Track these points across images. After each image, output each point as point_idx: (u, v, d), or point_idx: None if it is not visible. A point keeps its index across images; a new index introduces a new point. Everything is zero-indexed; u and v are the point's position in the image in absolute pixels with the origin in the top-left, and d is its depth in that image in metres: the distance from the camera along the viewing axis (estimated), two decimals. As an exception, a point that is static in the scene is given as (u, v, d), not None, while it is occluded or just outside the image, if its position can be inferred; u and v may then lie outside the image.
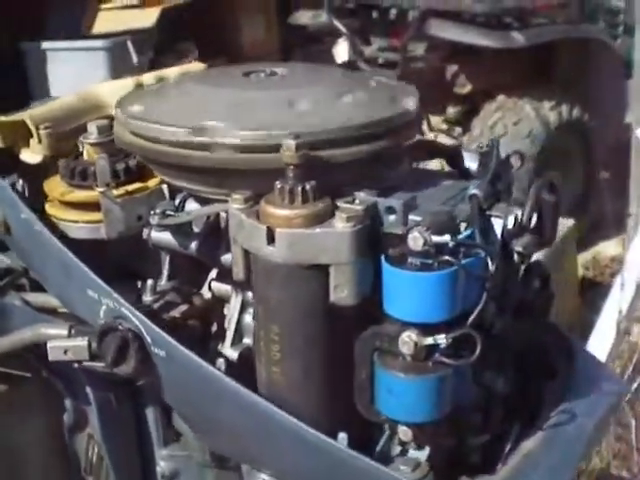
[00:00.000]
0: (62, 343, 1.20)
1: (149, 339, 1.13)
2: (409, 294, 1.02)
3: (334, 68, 1.37)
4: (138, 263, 1.31)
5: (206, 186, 1.15)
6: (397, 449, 1.15)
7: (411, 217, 1.07)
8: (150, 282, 1.21)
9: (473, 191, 1.12)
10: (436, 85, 5.14)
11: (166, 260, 1.25)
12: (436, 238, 1.02)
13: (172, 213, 1.17)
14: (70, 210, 1.26)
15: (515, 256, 1.15)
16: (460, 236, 1.05)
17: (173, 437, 1.40)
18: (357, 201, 1.08)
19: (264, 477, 1.20)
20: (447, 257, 1.01)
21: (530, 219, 1.16)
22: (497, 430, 1.18)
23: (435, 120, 5.27)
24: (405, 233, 1.02)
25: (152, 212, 1.16)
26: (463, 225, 1.08)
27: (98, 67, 4.51)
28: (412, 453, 1.15)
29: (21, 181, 1.30)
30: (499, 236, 1.13)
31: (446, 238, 1.02)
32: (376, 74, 1.34)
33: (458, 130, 5.25)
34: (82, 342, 1.19)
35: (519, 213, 1.16)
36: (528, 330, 1.25)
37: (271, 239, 1.04)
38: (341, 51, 5.87)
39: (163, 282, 1.24)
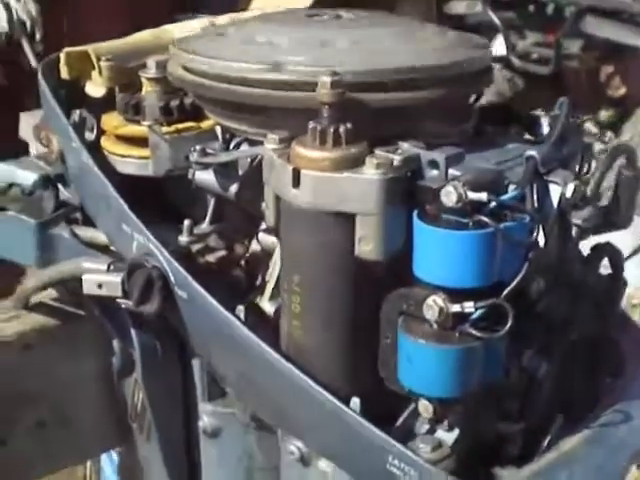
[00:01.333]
0: (97, 277, 1.17)
1: (173, 279, 1.09)
2: (437, 254, 0.93)
3: (409, 18, 1.28)
4: (188, 206, 1.27)
5: (250, 126, 1.10)
6: (425, 427, 1.07)
7: (451, 171, 0.98)
8: (187, 222, 1.17)
9: (530, 152, 1.02)
10: (589, 86, 4.90)
11: (211, 203, 1.20)
12: (473, 195, 0.92)
13: (212, 152, 1.12)
14: (121, 144, 1.24)
15: (574, 230, 1.03)
16: (504, 197, 0.95)
17: (218, 393, 1.36)
18: (399, 151, 1.00)
19: (298, 444, 1.14)
20: (484, 217, 0.92)
21: (597, 190, 1.04)
22: (535, 421, 1.07)
23: (587, 123, 5.04)
24: (440, 187, 0.93)
25: (192, 149, 1.12)
26: (512, 187, 0.98)
27: None
28: (439, 433, 1.06)
29: (78, 112, 1.28)
30: (555, 205, 1.02)
31: (483, 196, 0.92)
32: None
33: (610, 135, 4.99)
34: (116, 278, 1.16)
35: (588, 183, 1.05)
36: (590, 318, 1.13)
37: (297, 181, 0.97)
38: (499, 45, 5.69)
39: (204, 225, 1.20)
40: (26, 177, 1.35)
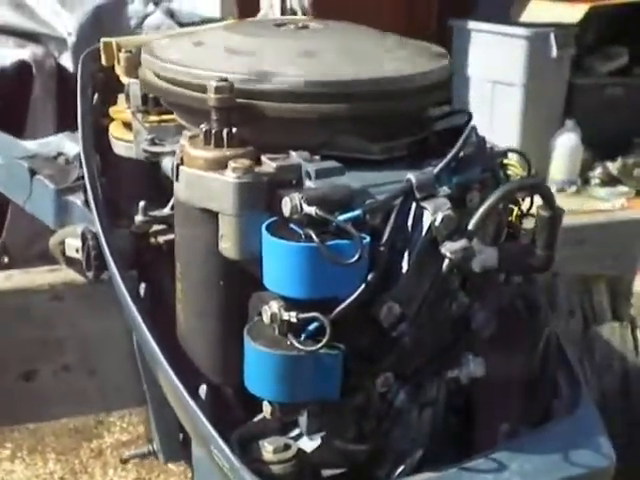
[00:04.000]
0: (75, 242, 1.32)
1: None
2: (267, 260, 0.97)
3: (377, 32, 1.27)
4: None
5: (186, 122, 1.18)
6: (296, 431, 1.09)
7: (307, 184, 0.99)
8: (141, 204, 1.27)
9: (409, 175, 1.00)
10: None
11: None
12: (307, 209, 0.94)
13: (159, 142, 1.21)
14: (119, 128, 1.37)
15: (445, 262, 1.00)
16: (343, 216, 0.95)
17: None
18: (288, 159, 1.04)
19: None
20: (311, 231, 0.93)
21: (478, 225, 1.00)
22: (394, 448, 1.06)
23: None
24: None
25: (144, 138, 1.22)
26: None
27: (515, 54, 4.51)
28: (303, 440, 1.08)
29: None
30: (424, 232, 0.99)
31: (312, 210, 0.93)
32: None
33: None
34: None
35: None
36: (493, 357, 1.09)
37: (177, 175, 1.05)
38: None
39: (166, 209, 1.30)
40: (71, 148, 1.53)
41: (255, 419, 1.07)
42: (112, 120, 1.42)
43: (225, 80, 1.03)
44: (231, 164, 1.00)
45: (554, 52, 4.48)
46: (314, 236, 0.93)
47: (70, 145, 1.53)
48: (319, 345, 0.94)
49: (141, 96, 1.29)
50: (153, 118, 1.30)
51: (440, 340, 1.05)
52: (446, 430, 1.12)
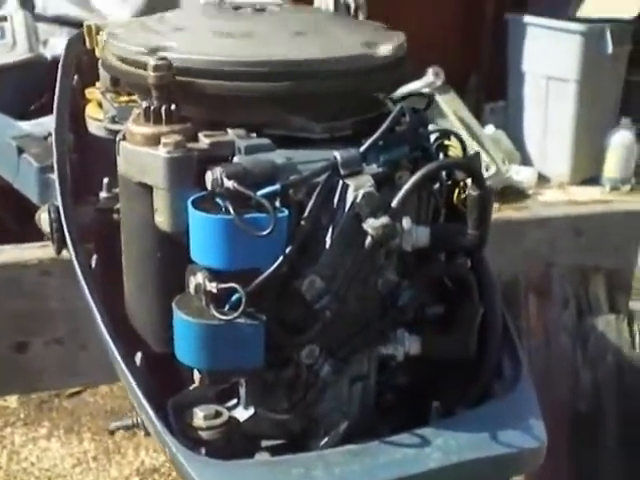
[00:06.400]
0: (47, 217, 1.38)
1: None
2: (192, 232, 1.00)
3: (332, 14, 1.29)
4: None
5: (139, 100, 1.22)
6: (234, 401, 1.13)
7: (235, 159, 1.02)
8: (105, 181, 1.32)
9: (335, 153, 1.03)
10: None
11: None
12: (227, 182, 0.97)
13: (118, 121, 1.26)
14: (95, 108, 1.42)
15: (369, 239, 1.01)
16: (262, 191, 0.97)
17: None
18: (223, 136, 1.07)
19: None
20: (229, 204, 0.96)
21: (402, 203, 1.02)
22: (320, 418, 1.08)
23: None
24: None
25: (106, 117, 1.27)
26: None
27: (570, 50, 4.47)
28: (237, 410, 1.11)
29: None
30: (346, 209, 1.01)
31: (230, 184, 0.96)
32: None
33: None
34: (57, 220, 1.35)
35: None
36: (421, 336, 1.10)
37: (118, 150, 1.09)
38: None
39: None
40: (60, 129, 1.58)
41: (191, 387, 1.11)
42: (90, 101, 1.47)
43: (164, 59, 1.06)
44: (163, 140, 1.03)
45: (610, 48, 4.39)
46: (231, 209, 0.96)
47: (59, 126, 1.59)
48: (235, 315, 0.97)
49: (110, 77, 1.34)
50: (123, 98, 1.35)
51: (366, 315, 1.07)
52: (382, 406, 1.14)
